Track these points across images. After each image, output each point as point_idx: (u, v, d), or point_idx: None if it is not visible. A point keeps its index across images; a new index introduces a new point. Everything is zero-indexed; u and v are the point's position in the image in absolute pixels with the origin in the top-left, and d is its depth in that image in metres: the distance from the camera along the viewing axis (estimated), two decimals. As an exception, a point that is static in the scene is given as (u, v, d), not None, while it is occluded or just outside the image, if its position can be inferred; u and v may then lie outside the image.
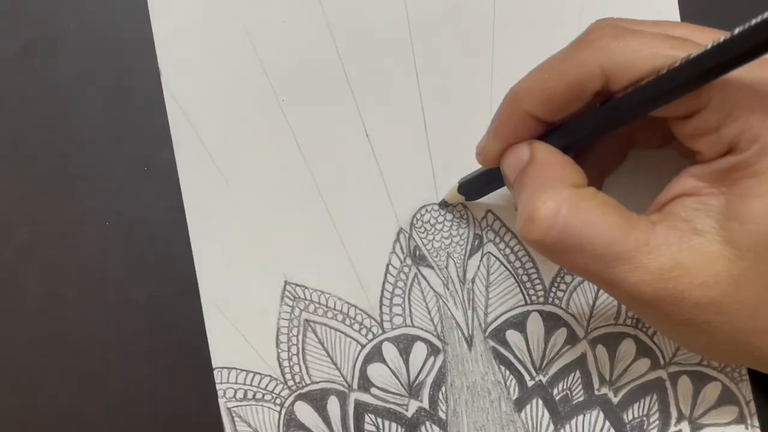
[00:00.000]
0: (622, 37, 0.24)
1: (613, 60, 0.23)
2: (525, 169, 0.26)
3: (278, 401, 0.31)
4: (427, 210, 0.32)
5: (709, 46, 0.21)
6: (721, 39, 0.21)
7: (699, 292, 0.23)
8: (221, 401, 0.31)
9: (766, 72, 0.23)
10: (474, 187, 0.30)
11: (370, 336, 0.31)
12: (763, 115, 0.23)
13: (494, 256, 0.32)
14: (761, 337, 0.24)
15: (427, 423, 0.31)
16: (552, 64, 0.25)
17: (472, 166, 0.31)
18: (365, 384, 0.31)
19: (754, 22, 0.20)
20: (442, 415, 0.31)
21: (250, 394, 0.31)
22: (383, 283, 0.31)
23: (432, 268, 0.31)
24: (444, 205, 0.31)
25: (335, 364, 0.31)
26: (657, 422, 0.31)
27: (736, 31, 0.21)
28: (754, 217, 0.23)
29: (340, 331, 0.31)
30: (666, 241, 0.24)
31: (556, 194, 0.24)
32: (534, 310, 0.31)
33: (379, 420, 0.31)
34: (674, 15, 0.32)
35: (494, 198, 0.31)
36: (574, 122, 0.26)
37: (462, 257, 0.31)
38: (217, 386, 0.31)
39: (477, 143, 0.28)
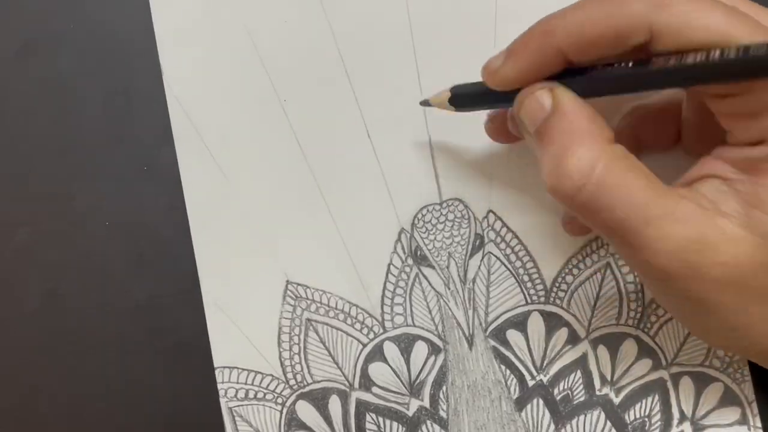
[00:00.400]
0: None
1: (666, 21, 0.22)
2: (549, 120, 0.24)
3: (279, 400, 0.31)
4: (428, 210, 0.31)
5: None
6: None
7: (719, 271, 0.23)
8: (222, 401, 0.31)
9: None
10: (469, 99, 0.28)
11: (371, 335, 0.31)
12: None
13: (495, 256, 0.31)
14: None
15: (428, 422, 0.31)
16: (599, 7, 0.23)
17: (473, 166, 0.31)
18: (366, 383, 0.31)
19: None
20: (442, 414, 0.31)
21: (251, 394, 0.31)
22: (384, 283, 0.31)
23: (433, 267, 0.31)
24: (425, 104, 0.30)
25: (336, 364, 0.31)
26: (659, 423, 0.31)
27: None
28: None
29: (341, 331, 0.31)
30: (693, 215, 0.23)
31: (591, 149, 0.23)
32: (535, 310, 0.31)
33: (380, 419, 0.31)
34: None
35: (494, 196, 0.31)
36: (602, 74, 0.24)
37: (463, 257, 0.31)
38: (219, 386, 0.31)
39: (487, 60, 0.26)
